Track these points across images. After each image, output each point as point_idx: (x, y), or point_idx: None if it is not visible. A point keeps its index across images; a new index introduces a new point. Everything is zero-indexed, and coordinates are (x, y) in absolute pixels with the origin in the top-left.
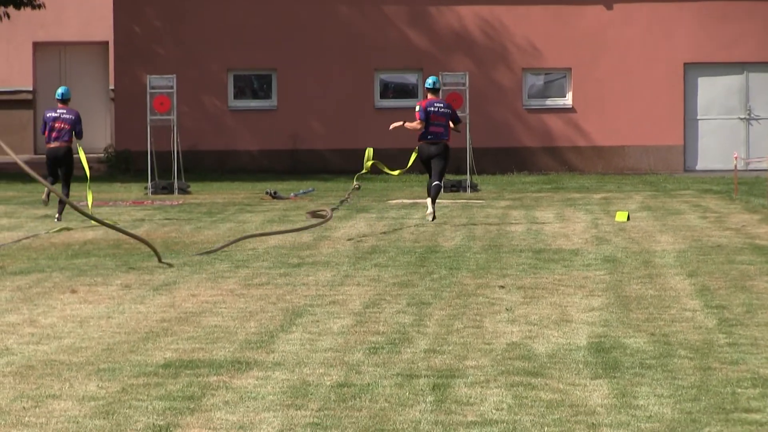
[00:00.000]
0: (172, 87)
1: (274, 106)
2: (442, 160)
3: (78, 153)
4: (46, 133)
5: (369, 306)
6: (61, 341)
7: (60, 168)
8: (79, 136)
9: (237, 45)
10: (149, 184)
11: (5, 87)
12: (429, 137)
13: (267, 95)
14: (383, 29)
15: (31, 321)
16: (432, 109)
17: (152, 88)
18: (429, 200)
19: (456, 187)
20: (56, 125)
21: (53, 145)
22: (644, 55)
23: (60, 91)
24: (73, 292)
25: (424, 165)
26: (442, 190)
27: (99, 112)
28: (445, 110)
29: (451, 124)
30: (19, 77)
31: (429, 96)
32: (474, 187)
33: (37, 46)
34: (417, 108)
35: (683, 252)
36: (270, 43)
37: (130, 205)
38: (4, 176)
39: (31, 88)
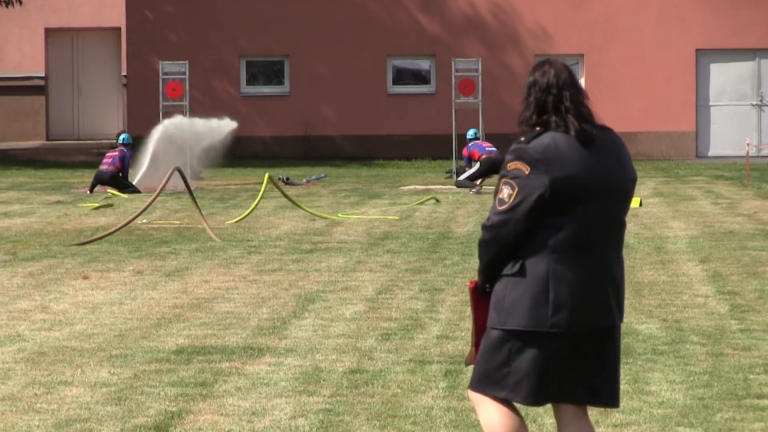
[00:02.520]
0: (184, 73)
1: (286, 92)
2: None
3: None
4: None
5: (381, 292)
6: (73, 327)
7: None
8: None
9: (249, 31)
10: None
11: (18, 73)
12: None
13: (279, 81)
14: (396, 15)
15: (43, 307)
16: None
17: (164, 74)
18: None
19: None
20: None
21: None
22: (656, 42)
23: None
24: (85, 278)
25: None
26: None
27: (111, 98)
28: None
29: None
30: (31, 63)
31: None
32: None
33: (49, 32)
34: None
35: (695, 238)
36: (282, 29)
37: (143, 191)
38: (15, 162)
39: (43, 75)
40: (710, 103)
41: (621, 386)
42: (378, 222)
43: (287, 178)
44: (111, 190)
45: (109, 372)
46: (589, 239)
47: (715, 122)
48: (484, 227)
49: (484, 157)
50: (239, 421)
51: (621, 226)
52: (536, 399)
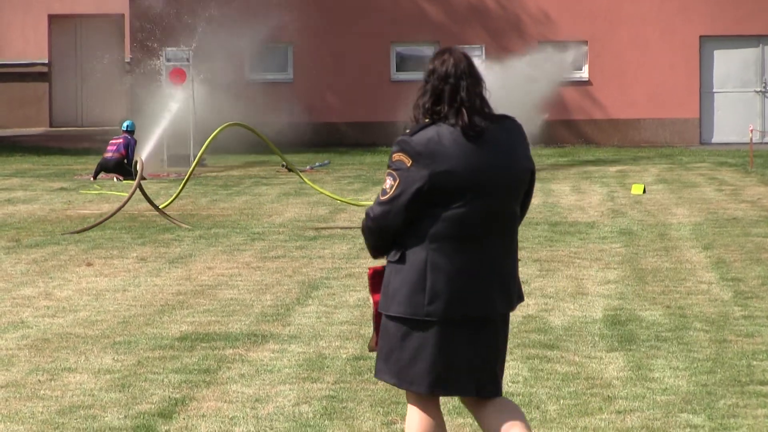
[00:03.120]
0: (188, 59)
1: (290, 79)
2: None
3: None
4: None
5: None
6: (77, 314)
7: None
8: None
9: (254, 18)
10: (165, 156)
11: (21, 60)
12: None
13: (283, 68)
14: (399, 2)
15: (46, 294)
16: None
17: (168, 60)
18: None
19: None
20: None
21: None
22: (660, 28)
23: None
24: (89, 265)
25: None
26: None
27: (115, 85)
28: None
29: None
30: (35, 50)
31: None
32: None
33: (52, 18)
34: None
35: (699, 225)
36: (288, 16)
37: (148, 178)
38: (19, 149)
39: (46, 61)
40: (714, 90)
41: (623, 373)
42: None
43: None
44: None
45: (113, 359)
46: (472, 230)
47: (719, 109)
48: (367, 215)
49: None
50: (243, 407)
51: (511, 216)
52: (425, 388)
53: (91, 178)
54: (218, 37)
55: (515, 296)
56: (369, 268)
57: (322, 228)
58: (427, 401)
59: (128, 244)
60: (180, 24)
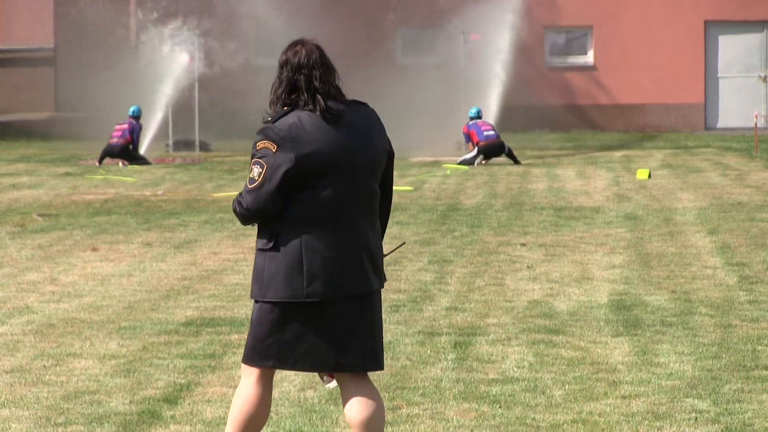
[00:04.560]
0: (194, 43)
1: None
2: None
3: None
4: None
5: (390, 264)
6: (82, 299)
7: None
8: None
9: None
10: (170, 140)
11: (27, 45)
12: None
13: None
14: None
15: (52, 279)
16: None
17: (174, 44)
18: None
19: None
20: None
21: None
22: (665, 13)
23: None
24: (94, 250)
25: None
26: None
27: (120, 69)
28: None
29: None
30: (40, 35)
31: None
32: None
33: (57, 3)
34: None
35: (704, 209)
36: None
37: (153, 163)
38: (24, 134)
39: (51, 46)
40: (719, 75)
41: (628, 358)
42: None
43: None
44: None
45: (118, 344)
46: (339, 210)
47: (724, 94)
48: (239, 204)
49: (481, 143)
50: None
51: (374, 195)
52: (303, 366)
53: (97, 163)
54: (225, 20)
55: (382, 273)
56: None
57: None
58: (264, 377)
59: (134, 229)
60: (186, 7)
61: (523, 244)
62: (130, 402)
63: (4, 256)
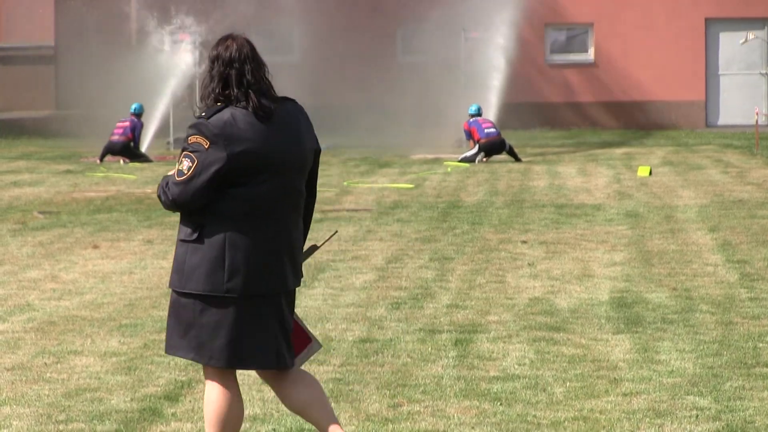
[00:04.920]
0: (194, 42)
1: (296, 60)
2: None
3: None
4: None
5: (391, 261)
6: (83, 297)
7: None
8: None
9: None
10: (171, 138)
11: (28, 43)
12: None
13: (290, 50)
14: None
15: (52, 277)
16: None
17: (174, 44)
18: None
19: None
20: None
21: None
22: (666, 11)
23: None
24: (95, 247)
25: None
26: None
27: (120, 67)
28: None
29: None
30: (41, 33)
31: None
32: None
33: (58, 0)
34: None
35: (705, 207)
36: None
37: (154, 161)
38: (25, 132)
39: (52, 44)
40: (720, 72)
41: (629, 355)
42: (388, 191)
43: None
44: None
45: (119, 341)
46: (266, 208)
47: (725, 91)
48: (164, 193)
49: (482, 141)
50: (249, 390)
51: (299, 194)
52: (224, 362)
53: (98, 161)
54: (224, 18)
55: (300, 272)
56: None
57: (329, 210)
58: (225, 375)
59: (134, 226)
60: (186, 6)
61: (524, 242)
62: (131, 399)
63: (5, 254)
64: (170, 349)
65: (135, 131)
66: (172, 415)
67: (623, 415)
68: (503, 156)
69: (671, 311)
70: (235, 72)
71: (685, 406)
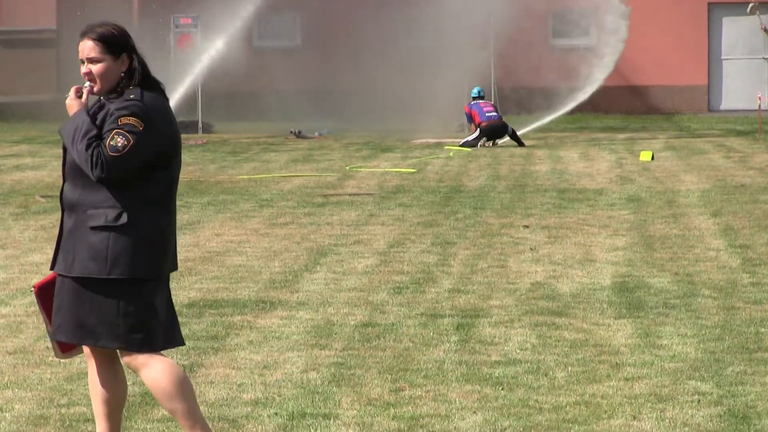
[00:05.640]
0: (196, 26)
1: (298, 45)
2: None
3: None
4: None
5: (393, 245)
6: None
7: None
8: None
9: None
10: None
11: (29, 26)
12: None
13: (293, 36)
14: None
15: None
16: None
17: (176, 27)
18: None
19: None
20: None
21: None
22: None
23: None
24: None
25: None
26: None
27: None
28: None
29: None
30: (43, 16)
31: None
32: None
33: None
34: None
35: (707, 192)
36: None
37: None
38: (27, 116)
39: (54, 27)
40: (722, 57)
41: (631, 340)
42: (390, 175)
43: (299, 132)
44: None
45: None
46: (175, 192)
47: (728, 76)
48: (92, 162)
49: (483, 124)
50: (251, 374)
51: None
52: (162, 345)
53: None
54: (225, 3)
55: None
56: (35, 286)
57: (331, 195)
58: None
59: None
60: None
61: (526, 226)
62: (133, 383)
63: (7, 238)
64: (85, 339)
65: None
66: None
67: (625, 399)
68: (504, 141)
69: (673, 296)
70: (139, 59)
71: (686, 390)
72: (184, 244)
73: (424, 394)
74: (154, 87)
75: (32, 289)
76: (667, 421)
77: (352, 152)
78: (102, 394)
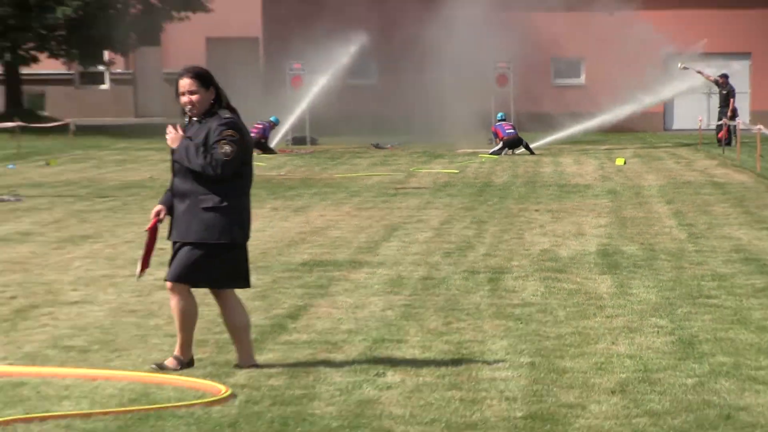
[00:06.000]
0: (304, 70)
1: (375, 82)
2: None
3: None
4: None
5: (444, 223)
6: None
7: None
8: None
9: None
10: (290, 137)
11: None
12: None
13: (371, 75)
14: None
15: None
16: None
17: (290, 70)
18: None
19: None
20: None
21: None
22: (636, 50)
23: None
24: None
25: None
26: None
27: (255, 91)
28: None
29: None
30: (195, 62)
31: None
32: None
33: (209, 40)
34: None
35: (663, 186)
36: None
37: (277, 153)
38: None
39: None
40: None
41: (611, 290)
42: (441, 174)
43: (378, 144)
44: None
45: (256, 278)
46: (251, 183)
47: (678, 105)
48: (212, 167)
49: (505, 138)
50: (346, 312)
51: None
52: (248, 284)
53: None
54: (325, 51)
55: None
56: (147, 229)
57: (400, 188)
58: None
59: (264, 198)
60: (298, 43)
61: (537, 210)
62: (264, 318)
63: None
64: (185, 279)
65: (265, 132)
66: (293, 328)
67: (606, 330)
68: (520, 151)
69: (640, 259)
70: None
71: (649, 325)
72: (298, 222)
73: (466, 326)
74: (233, 110)
75: (146, 230)
76: (636, 345)
77: (414, 158)
78: (225, 319)
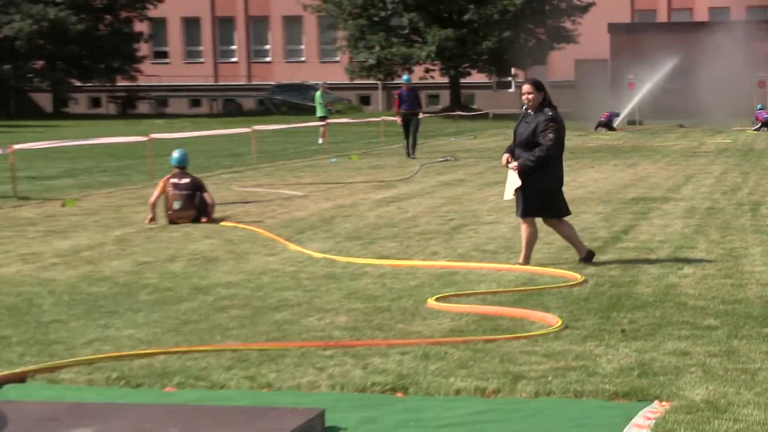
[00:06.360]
0: (635, 78)
1: (678, 85)
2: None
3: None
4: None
5: (722, 173)
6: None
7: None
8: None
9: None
10: (625, 121)
11: (556, 78)
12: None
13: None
14: None
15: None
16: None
17: (627, 79)
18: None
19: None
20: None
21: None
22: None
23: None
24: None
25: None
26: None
27: (605, 93)
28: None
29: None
30: (564, 73)
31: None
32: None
33: (577, 61)
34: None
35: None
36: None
37: (616, 130)
38: None
39: (572, 78)
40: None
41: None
42: (724, 143)
43: (681, 124)
44: None
45: (602, 208)
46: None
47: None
48: (546, 151)
49: (762, 120)
50: (659, 229)
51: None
52: (561, 215)
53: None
54: (648, 67)
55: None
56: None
57: (696, 151)
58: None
59: (608, 158)
60: (632, 61)
61: None
62: (607, 233)
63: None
64: (544, 215)
65: (610, 117)
66: (625, 239)
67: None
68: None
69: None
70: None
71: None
72: (630, 173)
73: (735, 238)
74: (554, 107)
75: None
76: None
77: (704, 133)
78: (560, 234)
